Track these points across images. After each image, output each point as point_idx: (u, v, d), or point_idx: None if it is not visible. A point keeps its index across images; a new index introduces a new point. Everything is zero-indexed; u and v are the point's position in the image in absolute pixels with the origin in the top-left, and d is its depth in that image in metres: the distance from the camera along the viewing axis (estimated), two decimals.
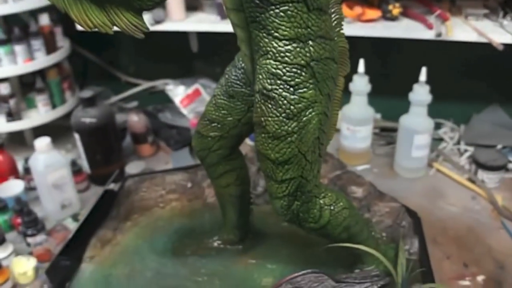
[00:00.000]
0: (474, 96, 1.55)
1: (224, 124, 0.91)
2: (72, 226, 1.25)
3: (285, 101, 0.74)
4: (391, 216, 1.10)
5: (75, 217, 1.29)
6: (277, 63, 0.73)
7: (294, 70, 0.73)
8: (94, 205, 1.14)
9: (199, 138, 0.95)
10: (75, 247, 1.07)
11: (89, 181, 1.42)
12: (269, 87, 0.74)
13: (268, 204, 1.19)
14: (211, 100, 0.92)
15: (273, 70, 0.73)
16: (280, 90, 0.73)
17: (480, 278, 1.04)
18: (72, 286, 1.02)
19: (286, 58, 0.73)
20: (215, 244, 1.09)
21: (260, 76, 0.75)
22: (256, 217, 1.14)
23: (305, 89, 0.74)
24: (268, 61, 0.74)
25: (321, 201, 0.84)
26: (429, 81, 1.31)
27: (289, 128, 0.75)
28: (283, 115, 0.74)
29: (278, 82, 0.73)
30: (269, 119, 0.75)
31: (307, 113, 0.75)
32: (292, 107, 0.74)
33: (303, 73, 0.73)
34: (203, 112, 0.94)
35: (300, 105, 0.74)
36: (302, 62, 0.73)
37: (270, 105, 0.74)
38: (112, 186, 1.22)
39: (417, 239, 1.04)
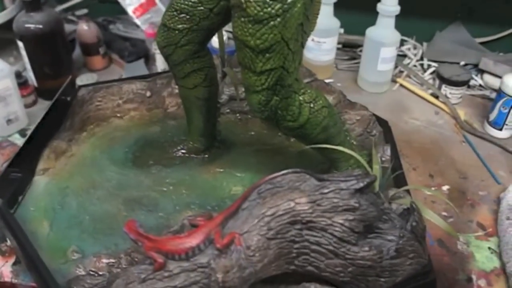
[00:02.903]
0: (437, 13, 1.52)
1: (194, 15, 0.82)
2: (20, 142, 1.15)
3: None
4: (362, 125, 1.07)
5: (22, 133, 1.19)
6: None
7: None
8: (44, 115, 1.04)
9: (164, 32, 0.86)
10: (26, 159, 0.98)
11: (36, 95, 1.30)
12: None
13: (234, 113, 1.14)
14: None
15: None
16: None
17: (445, 187, 1.05)
18: (25, 200, 0.94)
19: None
20: (179, 153, 1.03)
21: None
22: (221, 127, 1.09)
23: None
24: None
25: (301, 98, 0.78)
26: None
27: (273, 11, 0.67)
28: None
29: None
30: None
31: None
32: None
33: None
34: (170, 2, 0.84)
35: None
36: None
37: None
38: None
39: (389, 147, 1.02)
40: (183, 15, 0.83)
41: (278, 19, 0.68)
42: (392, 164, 0.99)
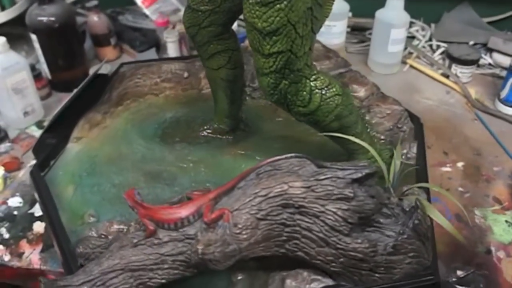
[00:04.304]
0: None
1: None
2: (37, 133, 1.14)
3: None
4: (392, 119, 1.04)
5: (39, 125, 1.19)
6: None
7: None
8: (83, 86, 1.10)
9: (189, 13, 0.88)
10: (62, 127, 1.04)
11: (50, 87, 1.31)
12: None
13: (265, 98, 1.14)
14: None
15: None
16: None
17: (460, 164, 1.07)
18: (56, 164, 1.00)
19: None
20: (205, 133, 1.05)
21: None
22: (251, 111, 1.10)
23: None
24: None
25: (312, 84, 0.77)
26: None
27: None
28: None
29: None
30: None
31: None
32: None
33: None
34: None
35: None
36: None
37: None
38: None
39: (416, 145, 1.00)
40: None
41: (285, 2, 0.68)
42: (416, 162, 0.97)
